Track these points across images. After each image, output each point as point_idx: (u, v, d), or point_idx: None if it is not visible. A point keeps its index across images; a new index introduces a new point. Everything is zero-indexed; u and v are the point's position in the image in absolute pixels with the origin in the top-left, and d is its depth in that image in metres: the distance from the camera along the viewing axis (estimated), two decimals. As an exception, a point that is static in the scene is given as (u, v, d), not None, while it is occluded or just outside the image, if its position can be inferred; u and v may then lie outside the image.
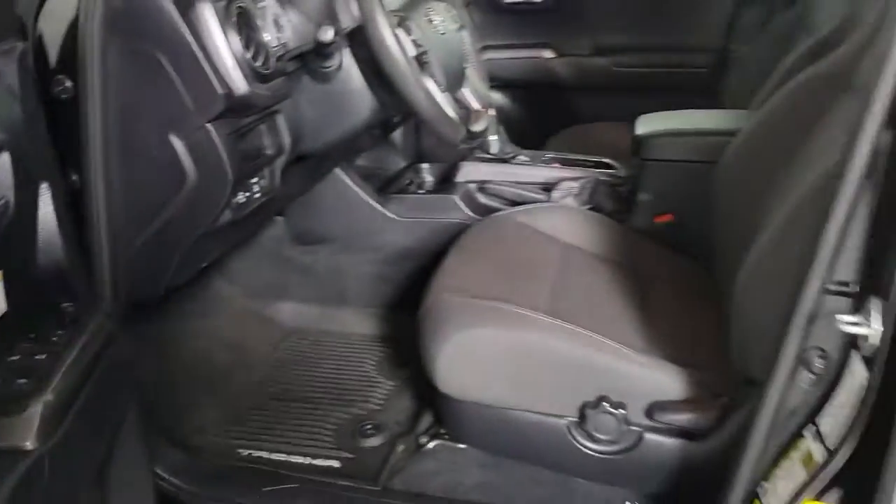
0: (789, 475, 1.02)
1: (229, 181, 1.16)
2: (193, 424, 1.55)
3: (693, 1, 2.49)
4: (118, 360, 0.87)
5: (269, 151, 1.30)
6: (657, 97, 2.52)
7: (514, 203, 1.82)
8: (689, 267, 1.63)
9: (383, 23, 1.19)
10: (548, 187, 1.84)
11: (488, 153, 1.93)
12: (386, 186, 1.94)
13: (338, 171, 1.81)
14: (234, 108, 1.14)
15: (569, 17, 2.61)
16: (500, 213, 1.73)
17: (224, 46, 1.10)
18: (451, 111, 1.32)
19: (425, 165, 2.04)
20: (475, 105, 1.50)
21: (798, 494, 0.99)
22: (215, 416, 1.58)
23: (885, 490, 0.88)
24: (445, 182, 1.93)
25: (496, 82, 2.72)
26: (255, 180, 1.28)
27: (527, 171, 1.89)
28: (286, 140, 1.33)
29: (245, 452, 1.47)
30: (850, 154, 0.90)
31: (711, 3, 2.48)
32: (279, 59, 1.25)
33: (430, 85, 1.30)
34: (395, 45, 1.20)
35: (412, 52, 1.27)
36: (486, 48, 2.66)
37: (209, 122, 1.13)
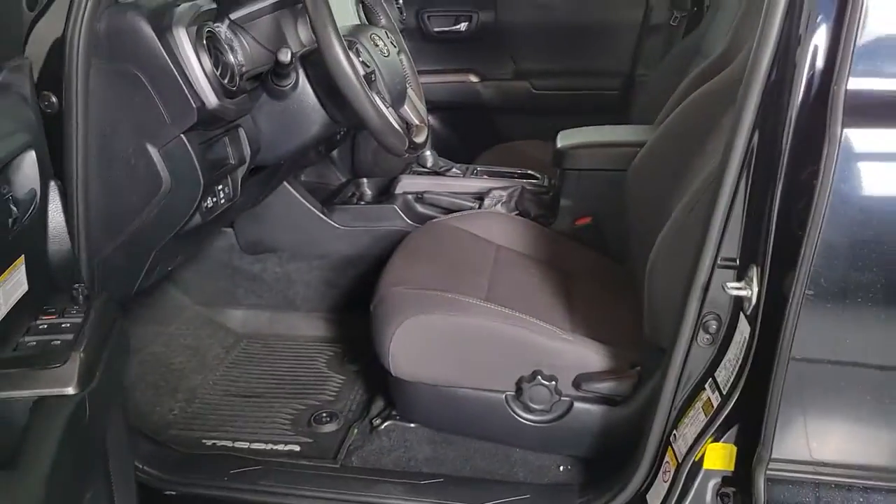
0: (694, 422, 1.22)
1: (201, 185, 1.29)
2: (158, 421, 1.65)
3: (603, 30, 2.75)
4: (122, 331, 0.99)
5: (232, 161, 1.43)
6: (573, 116, 2.75)
7: (450, 211, 1.99)
8: (606, 262, 1.84)
9: (338, 45, 1.35)
10: (479, 196, 2.02)
11: (424, 167, 2.10)
12: (329, 199, 2.09)
13: (286, 185, 1.95)
14: (206, 121, 1.28)
15: (491, 45, 2.83)
16: (438, 219, 1.90)
17: (197, 65, 1.24)
18: (395, 124, 1.49)
19: (364, 180, 2.20)
20: (415, 120, 1.67)
21: (701, 435, 1.19)
22: (178, 413, 1.68)
23: (769, 420, 1.09)
24: (385, 194, 2.10)
25: (427, 105, 2.91)
26: (220, 187, 1.42)
27: (460, 183, 2.07)
28: (246, 151, 1.47)
29: (209, 443, 1.58)
30: (728, 154, 1.11)
31: (619, 32, 2.74)
32: (241, 77, 1.39)
33: (378, 100, 1.46)
34: (349, 65, 1.36)
35: (361, 71, 1.43)
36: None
37: (183, 132, 1.26)
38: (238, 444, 1.57)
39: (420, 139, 1.60)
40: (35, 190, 0.90)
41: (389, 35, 1.69)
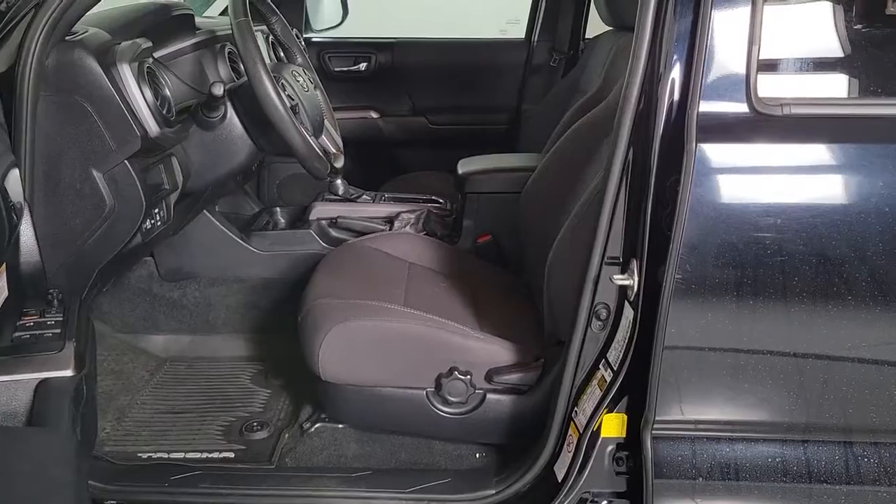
0: (591, 398, 1.43)
1: (143, 207, 1.41)
2: (90, 440, 1.70)
3: (491, 70, 3.02)
4: (93, 329, 1.10)
5: (167, 187, 1.55)
6: (467, 148, 2.97)
7: (363, 234, 2.15)
8: (507, 275, 2.05)
9: (268, 80, 1.50)
10: (389, 220, 2.20)
11: (336, 194, 2.26)
12: (246, 227, 2.20)
13: (205, 213, 2.05)
14: (147, 148, 1.40)
15: (389, 84, 3.04)
16: (352, 241, 2.06)
17: (139, 97, 1.37)
18: (319, 151, 1.65)
19: (277, 208, 2.33)
20: (332, 148, 1.84)
21: (597, 408, 1.40)
22: (109, 431, 1.74)
23: (652, 389, 1.31)
24: (299, 221, 2.24)
25: (330, 139, 3.07)
26: (157, 210, 1.53)
27: (371, 208, 2.25)
28: (179, 178, 1.59)
29: (146, 455, 1.65)
30: (609, 169, 1.34)
31: (506, 72, 3.02)
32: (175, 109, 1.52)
33: (302, 130, 1.62)
34: (278, 97, 1.51)
35: (287, 104, 1.59)
36: (318, 110, 3.02)
37: (126, 158, 1.38)
38: (174, 455, 1.65)
39: (339, 164, 1.77)
40: (21, 203, 1.00)
41: (306, 72, 1.85)
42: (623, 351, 1.36)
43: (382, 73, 3.02)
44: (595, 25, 2.81)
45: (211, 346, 2.12)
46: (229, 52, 1.91)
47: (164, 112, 1.44)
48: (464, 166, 2.18)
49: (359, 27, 3.13)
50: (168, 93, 1.49)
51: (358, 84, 3.05)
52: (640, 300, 1.31)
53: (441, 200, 2.32)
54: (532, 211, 1.96)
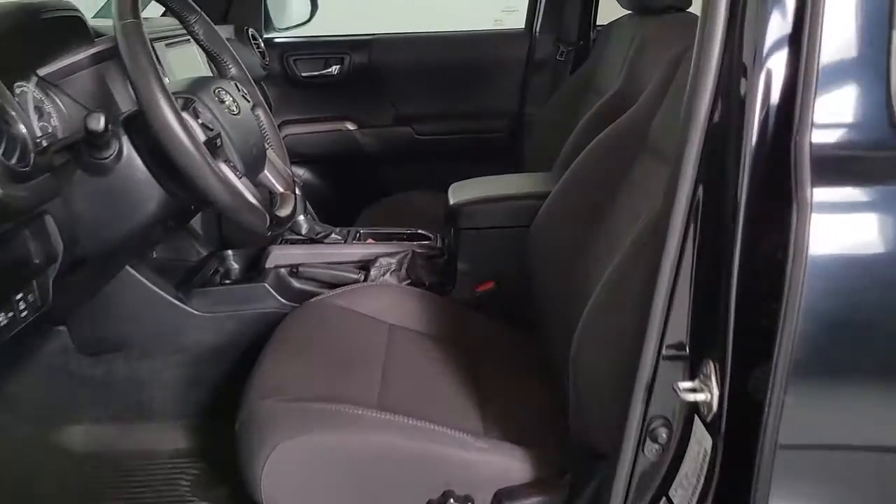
0: (647, 552, 0.98)
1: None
2: None
3: (486, 68, 2.56)
4: None
5: (37, 261, 1.10)
6: (462, 162, 2.56)
7: (331, 285, 1.71)
8: (515, 335, 1.60)
9: (166, 106, 1.05)
10: (364, 265, 1.75)
11: (299, 234, 1.81)
12: (188, 279, 1.75)
13: (128, 270, 1.61)
14: (-9, 214, 0.95)
15: (366, 89, 2.59)
16: (318, 297, 1.61)
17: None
18: (252, 198, 1.20)
19: (230, 252, 1.88)
20: (279, 187, 1.39)
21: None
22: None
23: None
24: (254, 269, 1.79)
25: (298, 158, 2.62)
26: (19, 296, 1.08)
27: (340, 251, 1.79)
28: (58, 245, 1.14)
29: None
30: (668, 217, 0.89)
31: (503, 69, 2.56)
32: (42, 152, 1.07)
33: (226, 171, 1.17)
34: (182, 130, 1.06)
35: (202, 136, 1.14)
36: (284, 123, 2.57)
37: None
38: None
39: (285, 211, 1.32)
40: None
41: (241, 87, 1.40)
42: (697, 494, 0.91)
43: (359, 76, 2.56)
44: (607, 10, 2.37)
45: (143, 436, 1.67)
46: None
47: (15, 162, 0.99)
48: (457, 194, 1.73)
49: (329, 24, 2.67)
50: (22, 131, 1.03)
51: (330, 91, 2.59)
52: (723, 423, 0.86)
53: (430, 236, 1.87)
54: (546, 251, 1.51)
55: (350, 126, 2.59)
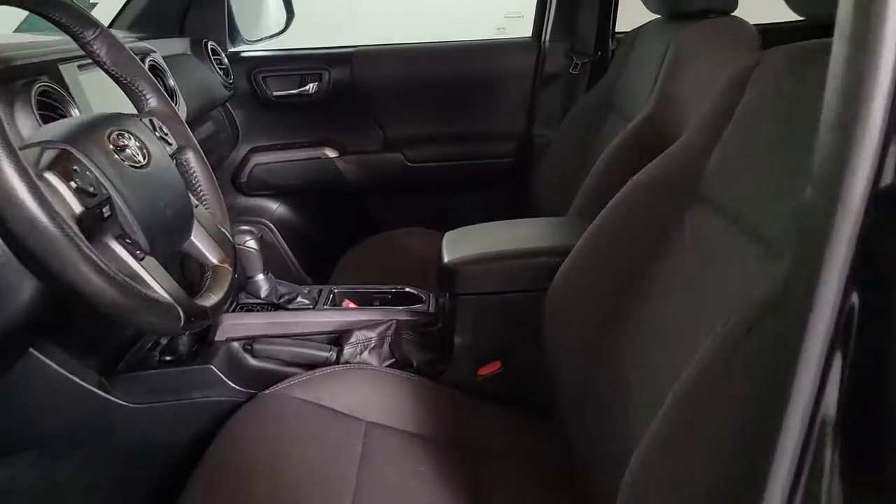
0: None
1: None
2: None
3: (488, 84, 2.21)
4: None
5: None
6: (460, 193, 2.21)
7: (293, 364, 1.35)
8: (528, 429, 1.24)
9: (7, 167, 0.70)
10: (337, 338, 1.39)
11: (257, 298, 1.46)
12: (116, 359, 1.40)
13: (34, 353, 1.25)
14: None
15: (350, 109, 2.23)
16: (275, 388, 1.26)
17: None
18: (158, 286, 0.85)
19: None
20: (211, 258, 1.04)
21: None
22: None
23: None
24: (200, 343, 1.43)
25: (271, 191, 2.28)
26: None
27: (309, 319, 1.43)
28: None
29: None
30: (792, 321, 0.53)
31: (508, 84, 2.21)
32: None
33: (118, 252, 0.82)
34: (35, 201, 0.71)
35: (76, 206, 0.79)
36: (254, 151, 2.22)
37: None
38: None
39: (214, 298, 0.97)
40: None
41: (163, 125, 1.05)
42: None
43: (340, 95, 2.21)
44: (628, 15, 2.02)
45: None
46: (41, 92, 1.09)
47: None
48: (452, 248, 1.37)
49: (307, 36, 2.32)
50: None
51: (307, 112, 2.24)
52: None
53: (422, 297, 1.51)
54: (567, 325, 1.15)
55: (330, 153, 2.24)
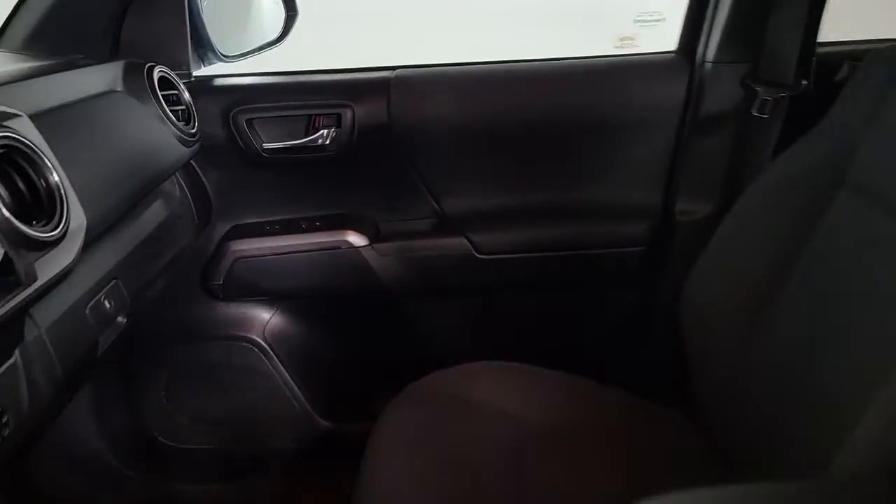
0: None
1: None
2: None
3: (609, 131, 1.39)
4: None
5: None
6: (564, 304, 1.41)
7: None
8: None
9: None
10: None
11: None
12: None
13: None
14: None
15: (385, 170, 1.42)
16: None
17: None
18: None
19: None
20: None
21: None
22: None
23: None
24: None
25: (260, 296, 1.47)
26: None
27: None
28: None
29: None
30: None
31: (640, 132, 1.38)
32: None
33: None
34: None
35: None
36: (235, 235, 1.43)
37: None
38: None
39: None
40: None
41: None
42: None
43: (370, 146, 1.39)
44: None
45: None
46: None
47: None
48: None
49: (309, 51, 1.50)
50: None
51: (317, 174, 1.43)
52: None
53: None
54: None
55: (354, 238, 1.42)
